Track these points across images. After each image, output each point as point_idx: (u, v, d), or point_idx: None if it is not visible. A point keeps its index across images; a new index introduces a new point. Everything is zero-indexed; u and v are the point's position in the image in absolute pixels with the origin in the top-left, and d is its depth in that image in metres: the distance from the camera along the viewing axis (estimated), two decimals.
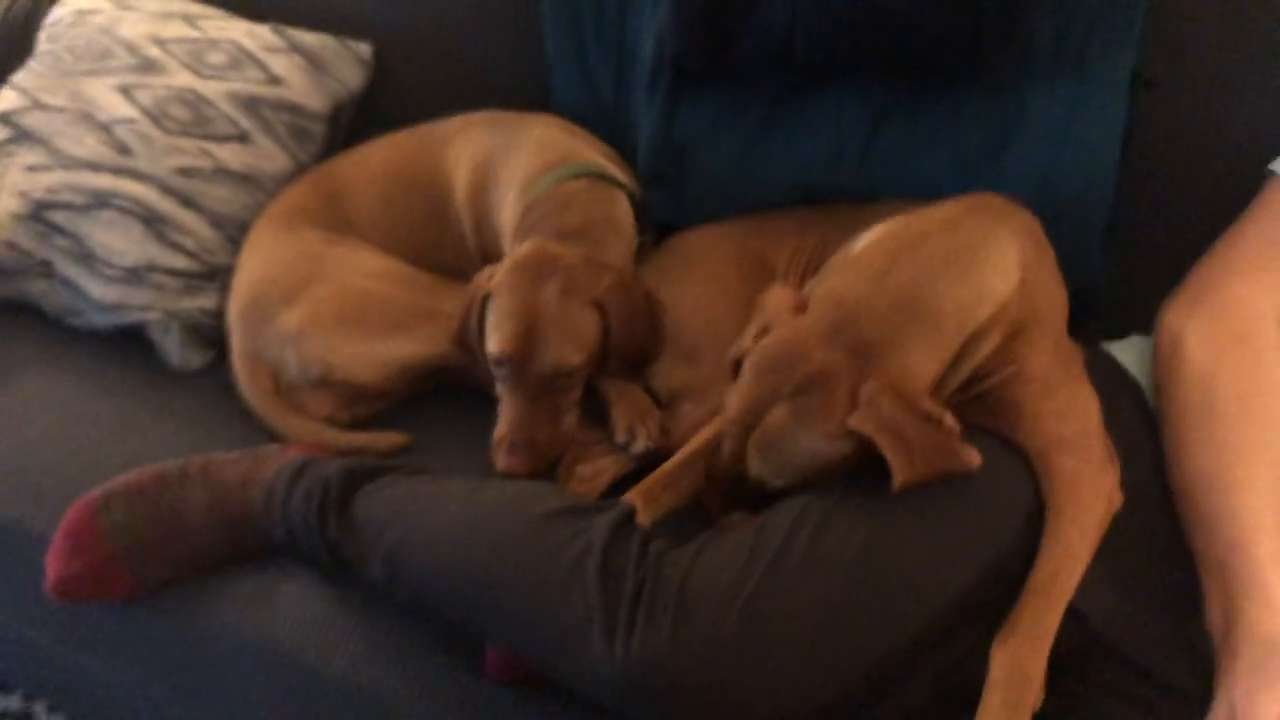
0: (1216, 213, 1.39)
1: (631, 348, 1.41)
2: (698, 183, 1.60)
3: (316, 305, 1.49)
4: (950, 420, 1.12)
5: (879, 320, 1.11)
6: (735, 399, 1.14)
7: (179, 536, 1.30)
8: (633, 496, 1.28)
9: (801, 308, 1.20)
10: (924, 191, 1.40)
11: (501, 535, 1.16)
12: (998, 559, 1.10)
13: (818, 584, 1.06)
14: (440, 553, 1.19)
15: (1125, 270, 1.55)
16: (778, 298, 1.22)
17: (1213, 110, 1.46)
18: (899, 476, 1.05)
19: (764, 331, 1.18)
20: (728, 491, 1.21)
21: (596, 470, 1.44)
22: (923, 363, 1.11)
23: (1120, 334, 1.43)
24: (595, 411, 1.45)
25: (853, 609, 1.05)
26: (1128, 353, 1.38)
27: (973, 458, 1.08)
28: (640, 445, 1.38)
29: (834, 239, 1.38)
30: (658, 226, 1.62)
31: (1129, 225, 1.50)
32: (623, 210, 1.52)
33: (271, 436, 1.48)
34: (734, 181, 1.58)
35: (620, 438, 1.40)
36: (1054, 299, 1.28)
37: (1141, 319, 1.38)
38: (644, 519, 1.24)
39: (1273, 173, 1.33)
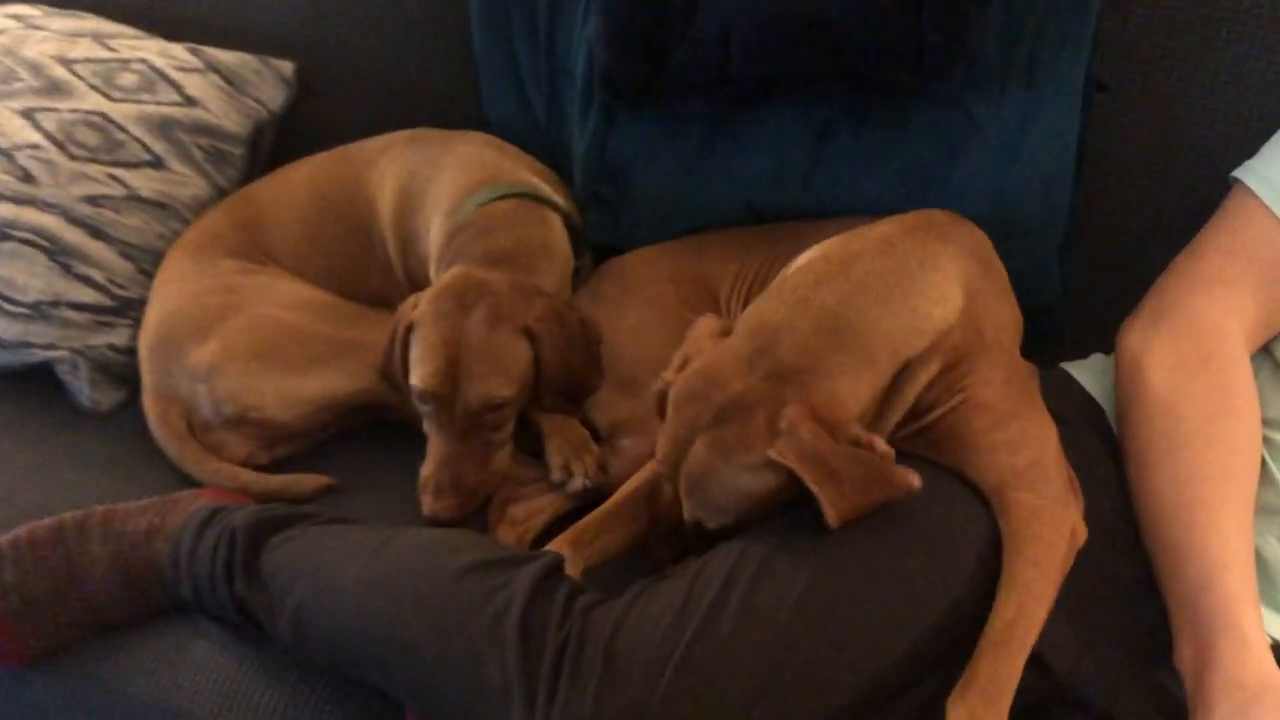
0: (1180, 222, 1.33)
1: (567, 378, 1.34)
2: (637, 204, 1.54)
3: (230, 339, 1.42)
4: (882, 445, 1.03)
5: (800, 345, 1.03)
6: (663, 437, 1.06)
7: (77, 596, 1.21)
8: (560, 544, 1.20)
9: (725, 335, 1.12)
10: (872, 208, 1.34)
11: (412, 593, 1.07)
12: (953, 603, 1.03)
13: (756, 638, 0.97)
14: (347, 611, 1.10)
15: (1085, 286, 1.49)
16: (702, 327, 1.14)
17: (1173, 116, 1.41)
18: (830, 510, 0.97)
19: (686, 362, 1.10)
20: (671, 537, 1.14)
21: (531, 511, 1.36)
22: (850, 390, 1.03)
23: (1082, 354, 1.36)
24: (532, 447, 1.37)
25: (795, 665, 0.97)
26: (1088, 373, 1.31)
27: (910, 480, 1.00)
28: (577, 483, 1.31)
29: (779, 260, 1.32)
30: (596, 250, 1.57)
31: (1088, 239, 1.45)
32: (555, 232, 1.45)
33: (187, 481, 1.40)
34: (674, 202, 1.52)
35: (556, 475, 1.32)
36: (1003, 322, 1.20)
37: (1104, 337, 1.31)
38: (573, 569, 1.15)
39: (1237, 180, 1.26)
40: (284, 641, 1.17)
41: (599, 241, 1.56)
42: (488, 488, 1.32)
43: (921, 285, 1.11)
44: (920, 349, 1.09)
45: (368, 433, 1.48)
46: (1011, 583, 1.04)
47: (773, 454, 1.00)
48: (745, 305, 1.40)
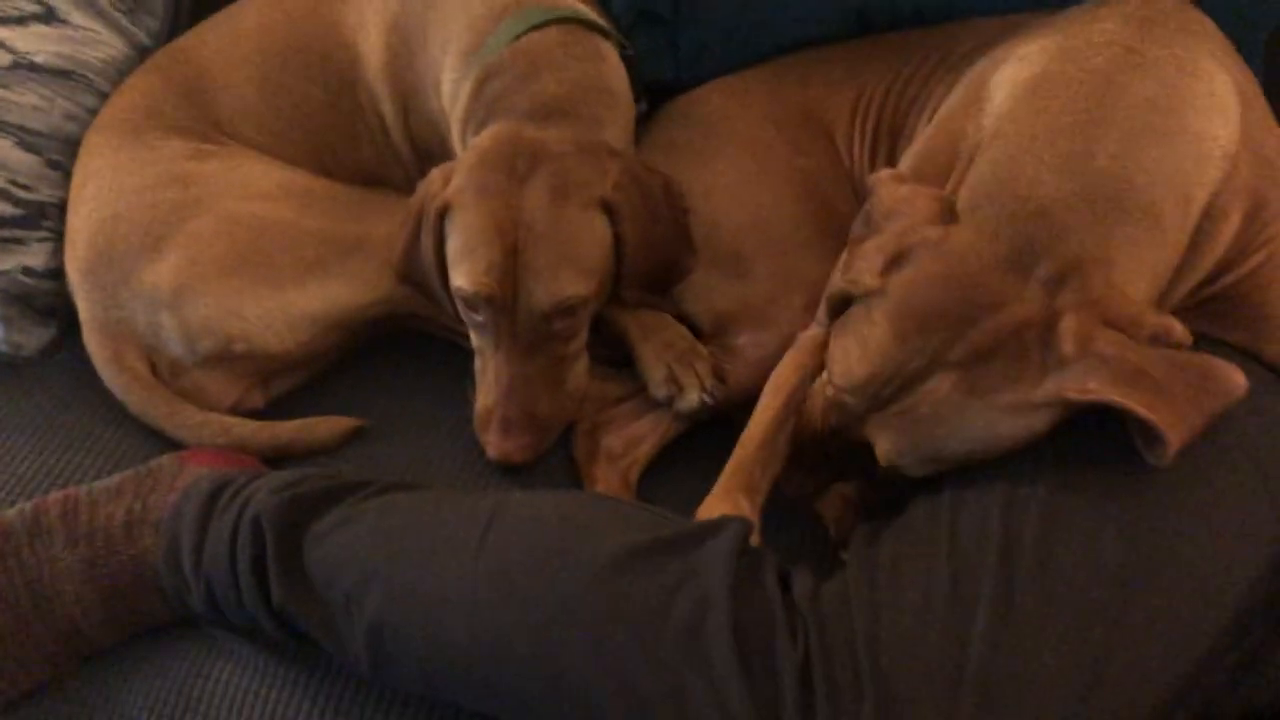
0: None
1: (654, 261, 1.10)
2: (701, 20, 1.27)
3: (194, 248, 1.15)
4: (1180, 332, 0.79)
5: (1084, 228, 0.79)
6: (854, 358, 0.83)
7: (46, 622, 0.96)
8: (727, 495, 0.94)
9: (947, 212, 0.85)
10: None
11: (553, 601, 0.80)
12: None
13: (1073, 619, 0.75)
14: (454, 632, 0.83)
15: None
16: (907, 198, 0.87)
17: None
18: (1174, 438, 0.73)
19: (894, 258, 0.83)
20: (822, 466, 0.93)
21: (630, 439, 1.11)
22: (1137, 268, 0.81)
23: None
24: (608, 356, 1.16)
25: (1129, 639, 0.75)
26: None
27: (1236, 379, 0.77)
28: (691, 399, 1.08)
29: (912, 81, 1.13)
30: (649, 89, 1.27)
31: None
32: (614, 69, 1.16)
33: (163, 442, 1.15)
34: (752, 12, 1.24)
35: (659, 391, 1.10)
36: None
37: None
38: (755, 535, 0.87)
39: None
40: (359, 666, 0.89)
41: (652, 77, 1.28)
42: (566, 415, 1.11)
43: (1193, 101, 0.85)
44: (1212, 187, 0.83)
45: (387, 353, 1.24)
46: None
47: (1072, 393, 0.75)
48: (875, 146, 1.15)
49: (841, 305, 0.87)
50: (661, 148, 1.20)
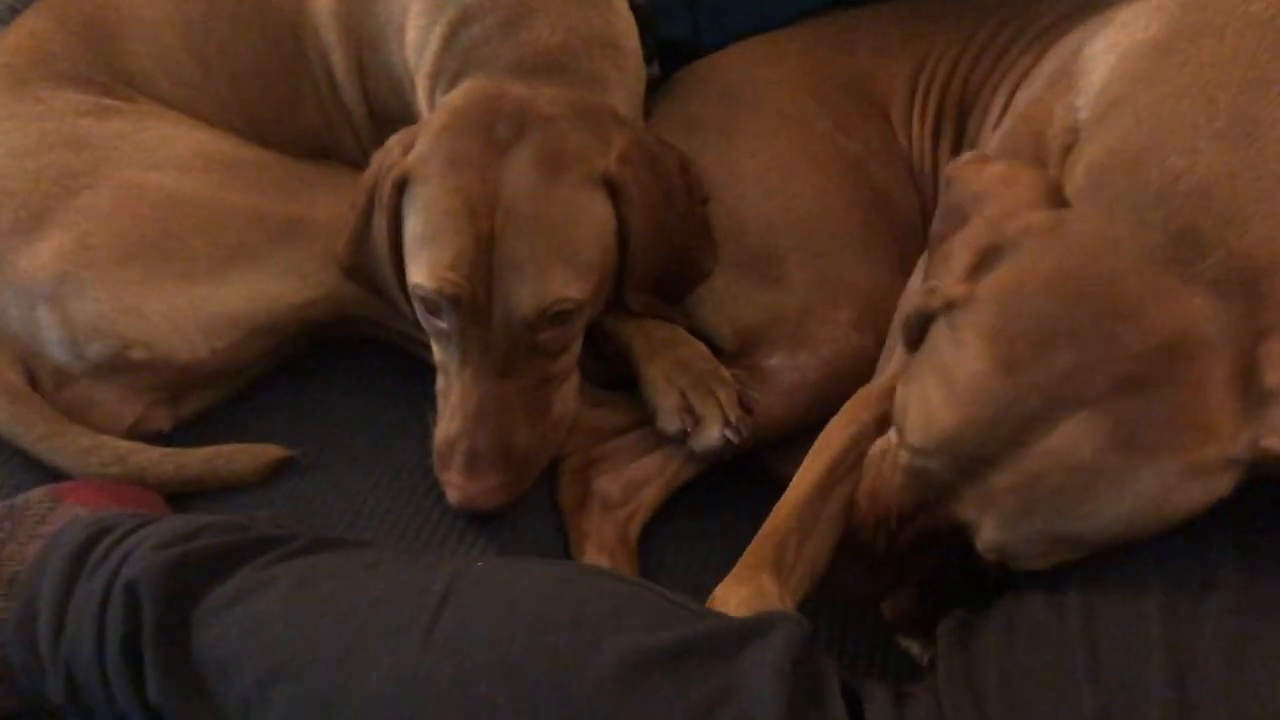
0: None
1: (666, 258, 0.95)
2: None
3: (85, 227, 0.99)
4: None
5: (1266, 208, 0.61)
6: (936, 401, 0.65)
7: None
8: (754, 573, 0.74)
9: (1055, 195, 0.68)
10: None
11: (532, 710, 0.61)
12: None
13: None
14: None
15: None
16: (1003, 177, 0.69)
17: None
18: None
19: (990, 254, 0.64)
20: (886, 563, 0.73)
21: (629, 484, 0.94)
22: None
23: None
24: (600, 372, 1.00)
25: None
26: None
27: None
28: (711, 436, 0.90)
29: (986, 55, 0.98)
30: (662, 50, 1.13)
31: None
32: (622, 19, 1.01)
33: (37, 471, 0.99)
34: None
35: (670, 423, 0.92)
36: None
37: None
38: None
39: None
40: None
41: (664, 34, 1.12)
42: (550, 450, 0.94)
43: None
44: None
45: (326, 365, 1.08)
46: None
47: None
48: (938, 127, 1.00)
49: (920, 330, 0.68)
50: (676, 123, 1.04)
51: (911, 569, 0.72)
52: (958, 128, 0.96)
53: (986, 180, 0.69)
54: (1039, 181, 0.67)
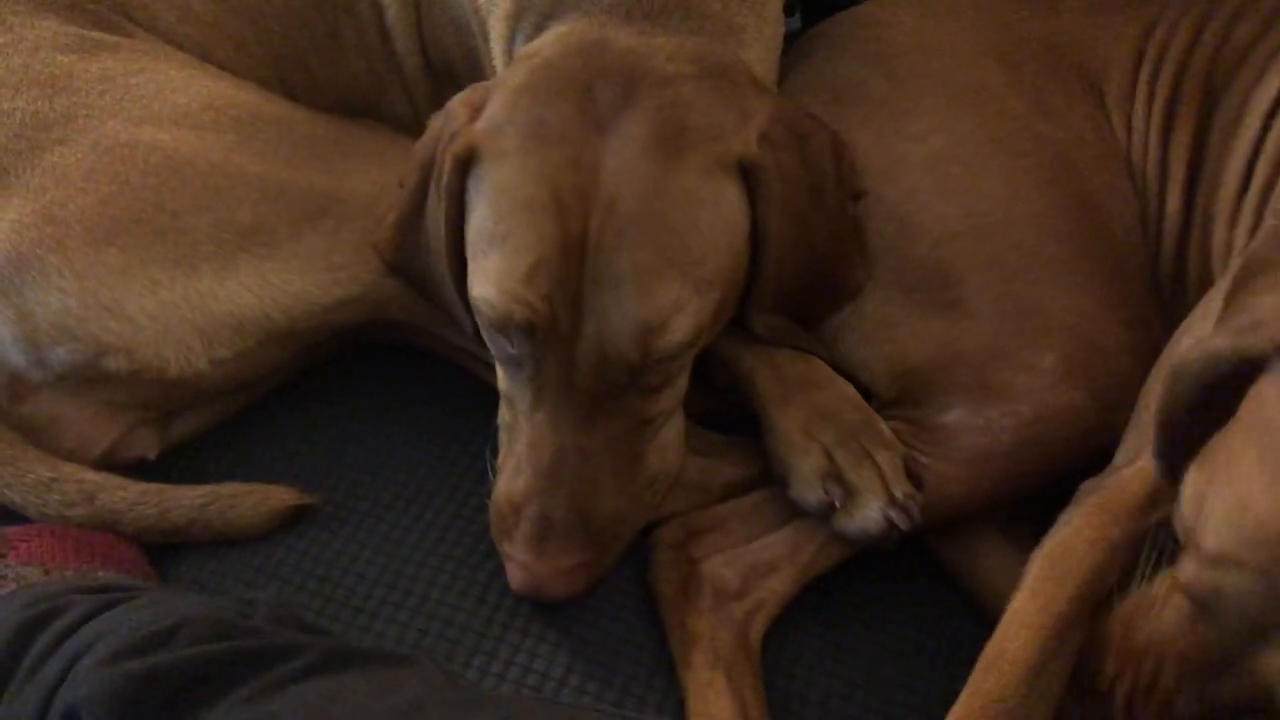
0: None
1: (808, 269, 0.77)
2: None
3: (53, 194, 0.82)
4: None
5: None
6: (1264, 501, 0.49)
7: None
8: None
9: None
10: None
11: None
12: None
13: None
14: None
15: None
16: None
17: None
18: None
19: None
20: None
21: (751, 569, 0.75)
22: None
23: None
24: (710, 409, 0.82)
25: None
26: None
27: None
28: (870, 516, 0.71)
29: (1245, 19, 0.80)
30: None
31: None
32: None
33: None
34: None
35: (808, 493, 0.73)
36: None
37: None
38: None
39: None
40: None
41: None
42: (641, 517, 0.76)
43: None
44: None
45: (360, 381, 0.92)
46: None
47: None
48: (1171, 110, 0.81)
49: (1217, 389, 0.50)
50: (819, 93, 0.85)
51: None
52: (1201, 116, 0.76)
53: None
54: None
